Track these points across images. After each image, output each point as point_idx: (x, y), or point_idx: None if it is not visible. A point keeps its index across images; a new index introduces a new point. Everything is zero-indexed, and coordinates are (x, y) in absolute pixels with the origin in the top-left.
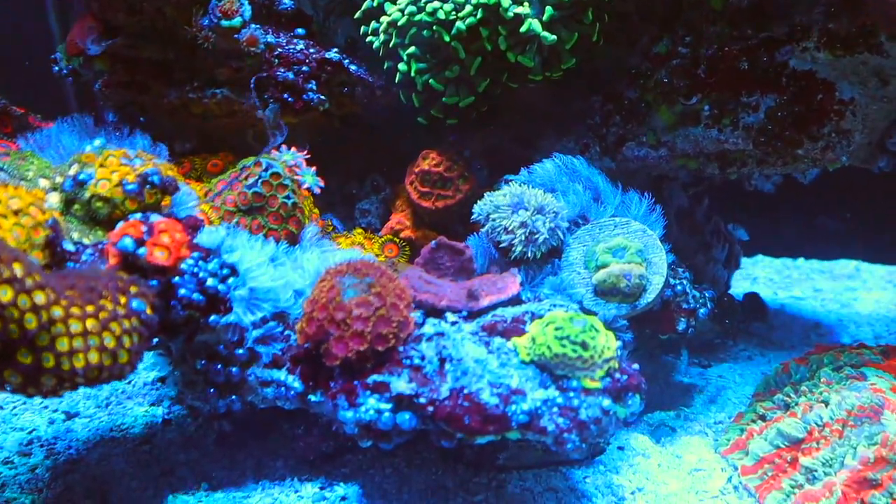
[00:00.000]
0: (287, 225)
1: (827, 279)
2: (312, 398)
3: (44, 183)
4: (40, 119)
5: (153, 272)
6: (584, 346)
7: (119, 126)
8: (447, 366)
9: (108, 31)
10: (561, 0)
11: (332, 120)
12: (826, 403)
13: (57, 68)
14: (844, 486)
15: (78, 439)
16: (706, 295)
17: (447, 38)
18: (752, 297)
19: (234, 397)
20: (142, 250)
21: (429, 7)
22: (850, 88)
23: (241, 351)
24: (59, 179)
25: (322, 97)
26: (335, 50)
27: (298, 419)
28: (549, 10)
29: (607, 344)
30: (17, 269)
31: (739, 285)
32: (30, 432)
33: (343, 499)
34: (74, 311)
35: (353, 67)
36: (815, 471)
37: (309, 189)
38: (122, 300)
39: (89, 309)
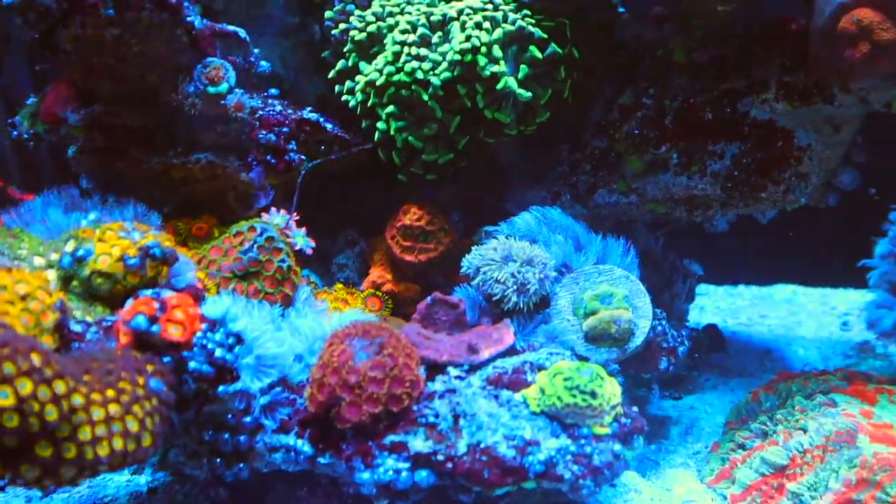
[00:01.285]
0: (283, 288)
1: (769, 305)
2: (322, 461)
3: (38, 261)
4: (19, 191)
5: (167, 349)
6: (593, 395)
7: (93, 193)
8: (461, 422)
9: (86, 98)
10: (535, 58)
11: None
12: (804, 430)
13: (16, 133)
14: None
15: None
16: (682, 333)
17: (425, 97)
18: (712, 329)
19: (241, 465)
20: (155, 328)
21: (407, 67)
22: (806, 135)
23: (248, 419)
24: (54, 256)
25: (302, 157)
26: (309, 109)
27: (297, 481)
28: (523, 68)
29: (613, 391)
30: (35, 360)
31: (690, 315)
32: None
33: None
34: (95, 397)
35: (328, 126)
36: (802, 495)
37: (301, 251)
38: (141, 381)
39: (110, 394)
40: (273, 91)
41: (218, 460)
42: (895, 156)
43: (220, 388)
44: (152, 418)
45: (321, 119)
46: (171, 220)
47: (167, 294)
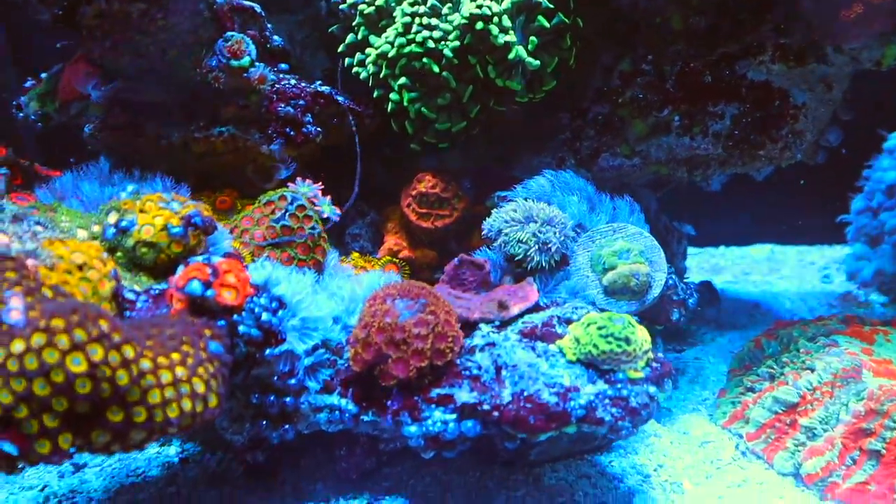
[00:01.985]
0: (314, 254)
1: (750, 263)
2: (366, 418)
3: (81, 234)
4: (46, 168)
5: (221, 313)
6: (627, 341)
7: (114, 169)
8: (503, 372)
9: (107, 75)
10: (542, 27)
11: (317, 150)
12: (812, 370)
13: (22, 114)
14: (843, 438)
15: (96, 489)
16: (690, 286)
17: (436, 69)
18: (707, 286)
19: (286, 426)
20: (210, 292)
21: (418, 37)
22: (801, 94)
23: (293, 381)
24: (95, 228)
25: (319, 129)
26: (319, 83)
27: (334, 443)
28: (532, 38)
29: (644, 337)
30: (104, 326)
31: None
32: (42, 489)
33: None
34: (162, 360)
35: (340, 98)
36: (815, 429)
37: (328, 218)
38: (201, 344)
39: (175, 357)
40: (283, 66)
41: (263, 422)
42: (867, 114)
43: (267, 351)
44: (216, 380)
45: (333, 92)
46: (192, 195)
47: (217, 259)
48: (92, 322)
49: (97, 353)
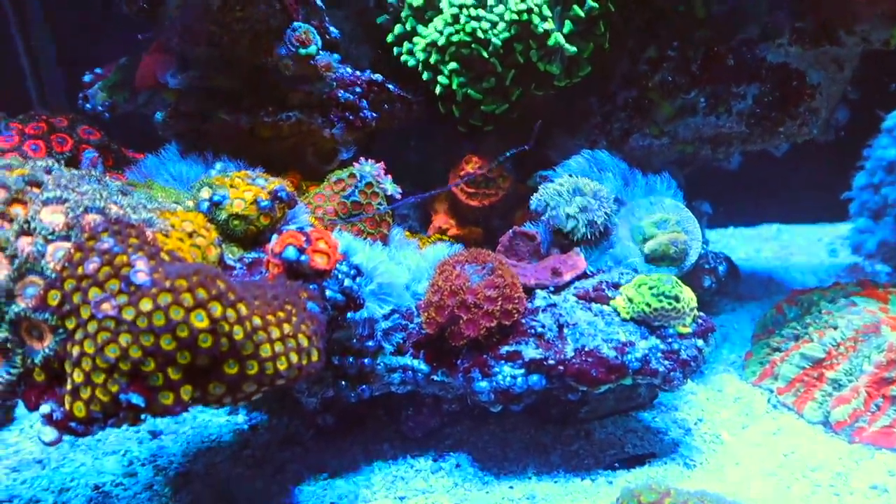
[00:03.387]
0: (381, 228)
1: (760, 241)
2: (436, 377)
3: (177, 208)
4: (132, 151)
5: (314, 276)
6: (676, 299)
7: (186, 153)
8: (565, 330)
9: (183, 64)
10: (577, 15)
11: (365, 135)
12: (835, 328)
13: (89, 105)
14: (867, 387)
15: (175, 454)
16: (720, 255)
17: (485, 54)
18: (726, 259)
19: (363, 387)
20: (304, 258)
21: (467, 27)
22: (816, 74)
23: (371, 343)
24: (189, 203)
25: (375, 114)
26: (369, 71)
27: (398, 405)
28: (567, 24)
29: (690, 295)
30: (221, 286)
31: None
32: (124, 454)
33: (457, 466)
34: (270, 318)
35: (391, 86)
36: (840, 380)
37: (391, 195)
38: (301, 304)
39: (281, 315)
40: (336, 56)
41: (343, 383)
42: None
43: (349, 315)
44: (317, 336)
45: (385, 80)
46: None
47: (309, 228)
48: (211, 282)
49: (217, 310)
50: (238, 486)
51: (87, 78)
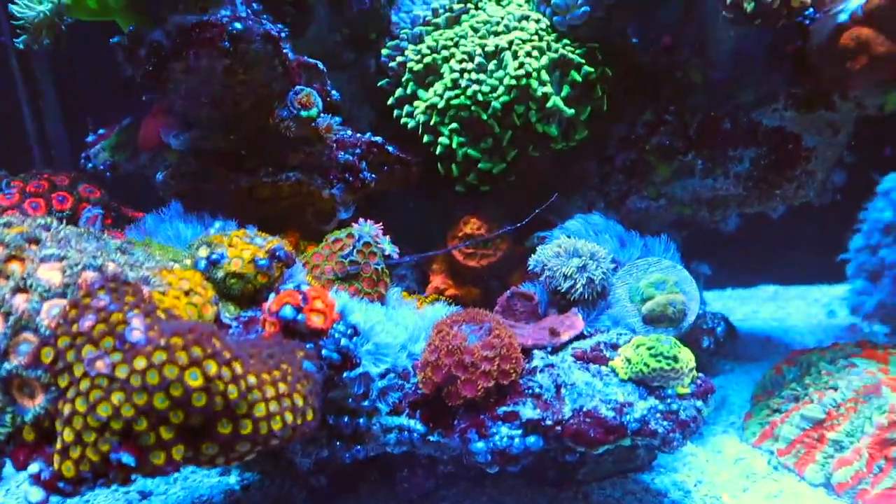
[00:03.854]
0: (378, 288)
1: (757, 302)
2: (433, 438)
3: (175, 266)
4: (131, 210)
5: (310, 336)
6: (675, 359)
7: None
8: (563, 391)
9: (185, 125)
10: (575, 80)
11: (363, 197)
12: (835, 389)
13: (91, 164)
14: (869, 448)
15: None
16: (717, 315)
17: (484, 117)
18: (724, 320)
19: (358, 447)
20: (300, 317)
21: (468, 91)
22: (811, 138)
23: (366, 402)
24: (187, 262)
25: (374, 176)
26: (370, 133)
27: (392, 465)
28: (566, 88)
29: (689, 356)
30: (217, 344)
31: None
32: None
33: None
34: (265, 377)
35: (390, 148)
36: (841, 442)
37: (389, 255)
38: (297, 363)
39: (276, 374)
40: (337, 118)
41: (338, 443)
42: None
43: (344, 374)
44: (312, 396)
45: (384, 142)
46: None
47: (306, 287)
48: (206, 340)
49: (212, 368)
50: None
51: (90, 138)
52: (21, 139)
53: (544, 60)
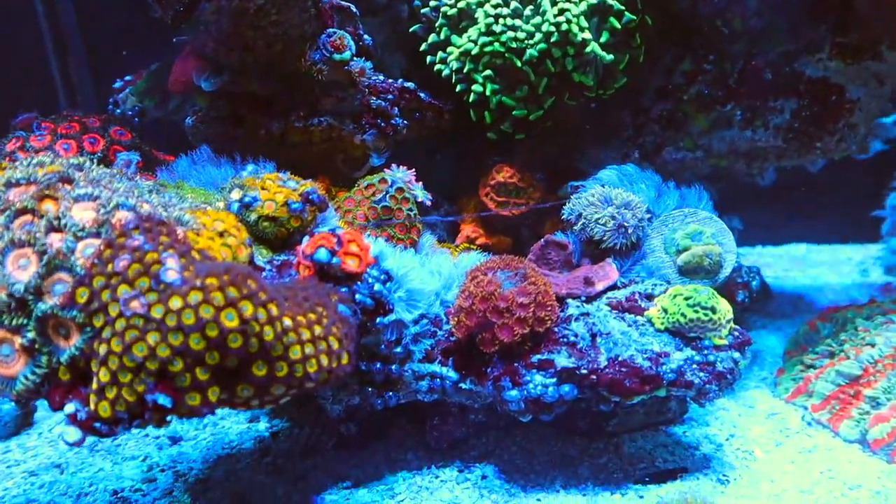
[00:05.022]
0: (410, 234)
1: (789, 261)
2: (464, 385)
3: (207, 208)
4: (163, 153)
5: (345, 279)
6: (713, 310)
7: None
8: (598, 340)
9: (216, 68)
10: (614, 27)
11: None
12: (872, 345)
13: (120, 110)
14: None
15: (194, 460)
16: (753, 269)
17: (518, 64)
18: (759, 275)
19: (390, 394)
20: (335, 260)
21: (503, 37)
22: (856, 90)
23: (399, 349)
24: (219, 205)
25: (405, 122)
26: (402, 80)
27: (423, 414)
28: (605, 34)
29: (727, 307)
30: (252, 285)
31: None
32: (143, 459)
33: (483, 477)
34: (301, 319)
35: (422, 94)
36: (878, 398)
37: (421, 202)
38: (332, 306)
39: (312, 317)
40: (368, 64)
41: (369, 389)
42: None
43: (378, 320)
44: (347, 339)
45: (417, 88)
46: None
47: (341, 230)
48: (242, 281)
49: (248, 309)
50: (258, 494)
51: (117, 84)
52: (47, 84)
53: (583, 6)
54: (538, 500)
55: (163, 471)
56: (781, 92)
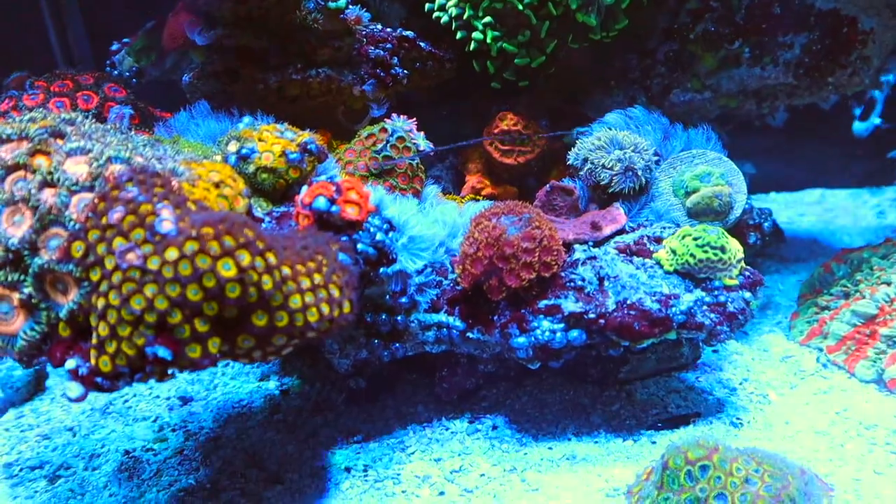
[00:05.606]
0: (413, 184)
1: (803, 206)
2: (471, 335)
3: (204, 160)
4: (159, 109)
5: (345, 228)
6: (722, 249)
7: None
8: (606, 283)
9: (209, 22)
10: None
11: (393, 95)
12: (888, 283)
13: (117, 71)
14: None
15: (205, 419)
16: (765, 211)
17: (520, 7)
18: (771, 217)
19: (396, 345)
20: (335, 208)
21: None
22: (868, 20)
23: (404, 299)
24: (217, 158)
25: (406, 71)
26: (401, 29)
27: (430, 366)
28: None
29: (737, 246)
30: (249, 234)
31: None
32: (154, 420)
33: (494, 427)
34: (300, 268)
35: (422, 44)
36: (895, 337)
37: (424, 151)
38: (332, 255)
39: (311, 265)
40: (366, 14)
41: (376, 342)
42: None
43: (381, 270)
44: (348, 287)
45: (416, 37)
46: None
47: (340, 178)
48: (238, 230)
49: (245, 258)
50: (269, 451)
51: (114, 46)
52: (43, 43)
53: None
54: (550, 448)
55: (174, 431)
56: (791, 26)
